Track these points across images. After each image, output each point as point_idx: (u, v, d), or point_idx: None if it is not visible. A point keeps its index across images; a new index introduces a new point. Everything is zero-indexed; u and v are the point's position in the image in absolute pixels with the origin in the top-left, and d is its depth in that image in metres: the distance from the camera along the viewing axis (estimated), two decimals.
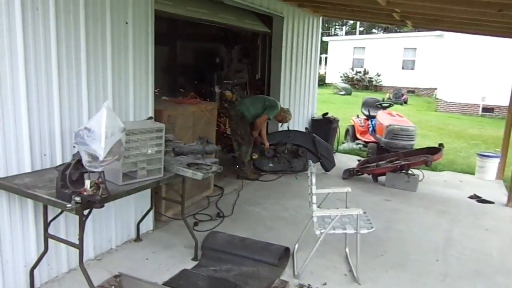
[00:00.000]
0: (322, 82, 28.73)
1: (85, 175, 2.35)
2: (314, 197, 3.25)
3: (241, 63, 8.88)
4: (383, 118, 8.07)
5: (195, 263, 3.55)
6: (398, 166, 6.07)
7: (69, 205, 2.23)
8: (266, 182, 6.13)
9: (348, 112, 13.56)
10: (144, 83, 3.82)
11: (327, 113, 8.16)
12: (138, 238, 3.90)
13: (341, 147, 8.77)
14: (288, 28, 6.68)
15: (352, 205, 5.13)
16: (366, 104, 9.31)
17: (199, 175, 2.99)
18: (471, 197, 5.89)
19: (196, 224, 4.38)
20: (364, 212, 3.62)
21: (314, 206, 3.26)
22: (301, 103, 7.61)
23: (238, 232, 4.27)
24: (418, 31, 23.75)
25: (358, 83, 26.27)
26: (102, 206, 2.38)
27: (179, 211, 4.62)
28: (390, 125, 7.65)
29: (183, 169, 3.04)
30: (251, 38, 8.30)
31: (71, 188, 2.28)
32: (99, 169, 2.25)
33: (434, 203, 5.60)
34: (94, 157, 2.18)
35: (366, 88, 26.12)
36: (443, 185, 6.55)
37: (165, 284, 3.11)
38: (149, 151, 2.77)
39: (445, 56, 19.90)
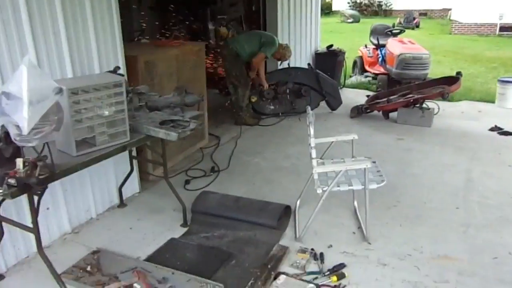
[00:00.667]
0: (328, 11, 27.18)
1: (23, 150, 1.88)
2: (314, 151, 2.77)
3: None
4: (394, 46, 7.32)
5: (184, 229, 3.18)
6: (411, 100, 5.50)
7: (0, 190, 1.79)
8: (267, 127, 5.64)
9: (357, 41, 12.60)
10: (109, 24, 3.22)
11: (331, 45, 7.44)
12: (122, 204, 3.52)
13: (348, 81, 8.13)
14: None
15: (360, 148, 4.66)
16: (375, 32, 8.49)
17: (172, 135, 2.51)
18: (491, 129, 5.34)
19: (187, 182, 3.98)
20: (374, 162, 3.15)
21: (314, 162, 2.79)
22: (302, 36, 6.89)
23: (234, 187, 3.88)
24: None
25: (367, 8, 24.70)
26: (44, 189, 1.94)
27: (169, 168, 4.23)
28: (401, 53, 6.93)
29: (154, 128, 2.56)
30: None
31: (2, 169, 1.82)
32: (33, 143, 1.78)
33: (451, 138, 5.09)
34: (21, 129, 1.70)
35: (376, 13, 24.59)
36: (460, 117, 5.98)
37: (149, 258, 2.76)
38: (106, 112, 2.27)
39: None
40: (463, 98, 7.01)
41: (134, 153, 3.53)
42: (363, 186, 2.83)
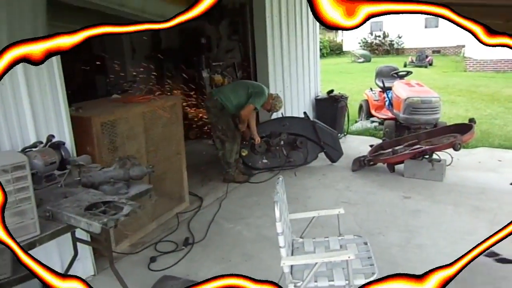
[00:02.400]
0: (339, 51, 27.18)
1: None
2: (281, 239, 2.18)
3: (231, 40, 7.73)
4: (400, 89, 6.79)
5: None
6: (419, 152, 4.89)
7: None
8: (258, 184, 5.08)
9: (367, 82, 12.14)
10: (48, 83, 2.77)
11: (332, 90, 6.96)
12: None
13: (353, 127, 7.58)
14: None
15: (360, 211, 4.08)
16: (380, 74, 8.00)
17: (96, 227, 1.98)
18: None
19: (153, 260, 3.40)
20: (365, 243, 2.54)
21: (283, 251, 2.20)
22: (299, 82, 6.44)
23: (207, 265, 3.31)
24: None
25: (378, 48, 24.52)
26: None
27: (138, 240, 3.72)
28: (408, 97, 6.39)
29: (75, 216, 2.03)
30: (239, 10, 7.13)
31: None
32: None
33: (466, 196, 4.42)
34: None
35: (387, 52, 24.37)
36: (477, 168, 5.32)
37: None
38: None
39: None
40: (480, 145, 6.36)
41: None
42: (347, 281, 2.22)
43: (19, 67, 2.55)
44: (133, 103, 3.75)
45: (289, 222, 2.60)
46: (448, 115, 8.54)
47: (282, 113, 5.82)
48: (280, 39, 5.78)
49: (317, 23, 6.90)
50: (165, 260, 3.41)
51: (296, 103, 6.38)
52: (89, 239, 2.98)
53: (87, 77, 8.56)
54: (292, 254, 2.52)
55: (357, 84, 13.33)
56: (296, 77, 6.36)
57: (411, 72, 7.44)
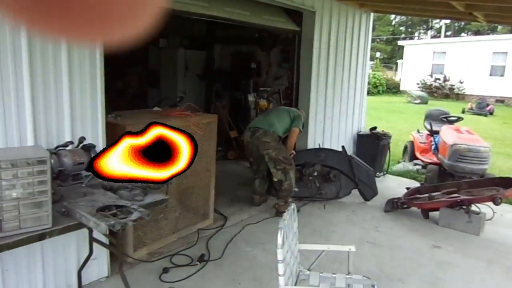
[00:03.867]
0: (396, 90, 26.68)
1: None
2: (281, 266, 2.14)
3: (281, 68, 7.88)
4: (448, 134, 6.54)
5: None
6: (457, 201, 4.65)
7: None
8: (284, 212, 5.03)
9: (419, 124, 11.82)
10: (89, 87, 2.97)
11: (375, 128, 6.84)
12: None
13: (394, 168, 7.36)
14: (322, 25, 5.54)
15: (383, 253, 3.93)
16: (429, 117, 7.77)
17: (102, 227, 2.06)
18: None
19: (165, 270, 3.45)
20: (372, 286, 2.45)
21: (281, 280, 2.16)
22: (342, 115, 6.39)
23: (216, 284, 3.33)
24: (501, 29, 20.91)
25: (437, 91, 23.78)
26: None
27: (156, 249, 3.80)
28: (455, 143, 6.13)
29: (86, 215, 2.13)
30: (291, 40, 7.27)
31: None
32: None
33: (503, 255, 4.13)
34: None
35: (447, 96, 23.57)
36: None
37: None
38: (14, 194, 1.90)
39: None
40: None
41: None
42: None
43: (64, 65, 2.76)
44: (170, 116, 3.90)
45: (296, 252, 2.56)
46: (501, 167, 8.08)
47: (319, 144, 5.79)
48: (326, 71, 5.80)
49: (367, 58, 6.89)
50: (178, 273, 3.44)
51: (337, 136, 6.32)
52: (107, 242, 3.10)
53: (141, 89, 9.03)
54: (295, 285, 2.48)
55: (408, 125, 12.96)
56: (339, 110, 6.32)
57: (461, 118, 7.15)
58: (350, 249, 2.58)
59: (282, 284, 2.16)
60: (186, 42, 8.44)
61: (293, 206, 2.55)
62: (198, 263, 3.62)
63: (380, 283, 3.46)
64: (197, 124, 3.99)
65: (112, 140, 3.24)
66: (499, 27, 37.42)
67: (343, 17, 5.98)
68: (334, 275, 2.59)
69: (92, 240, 2.91)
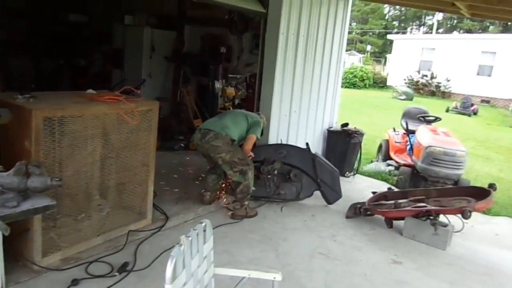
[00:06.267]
0: (382, 84, 26.33)
1: None
2: None
3: (253, 54, 7.32)
4: (423, 135, 6.13)
5: None
6: (423, 211, 4.23)
7: None
8: None
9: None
10: None
11: (347, 124, 6.37)
12: None
13: (366, 167, 6.94)
14: (291, 9, 5.00)
15: (336, 268, 3.47)
16: (406, 115, 7.34)
17: None
18: None
19: (74, 283, 2.93)
20: None
21: None
22: (311, 109, 5.90)
23: None
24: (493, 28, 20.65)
25: (424, 87, 23.48)
26: None
27: (73, 255, 3.29)
28: (430, 145, 5.72)
29: None
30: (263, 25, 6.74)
31: None
32: None
33: (468, 274, 3.72)
34: None
35: (433, 94, 23.29)
36: (491, 242, 4.57)
37: None
38: None
39: None
40: (503, 213, 5.58)
41: None
42: None
43: None
44: (96, 101, 3.35)
45: (208, 280, 2.07)
46: (478, 172, 7.73)
47: (281, 140, 5.31)
48: (294, 59, 5.28)
49: (343, 49, 6.38)
50: (89, 285, 2.95)
51: (304, 131, 5.83)
52: None
53: (104, 69, 8.41)
54: None
55: (389, 121, 12.54)
56: (308, 104, 5.83)
57: (440, 119, 6.72)
58: (274, 277, 2.10)
59: None
60: (154, 20, 7.82)
61: (204, 224, 2.05)
62: (117, 273, 3.11)
63: None
64: (130, 112, 3.45)
65: (21, 126, 2.72)
66: (491, 27, 37.31)
67: (317, 2, 5.44)
68: None
69: None
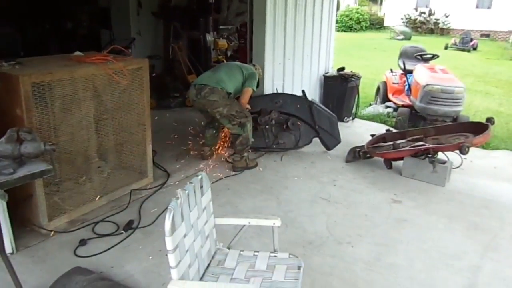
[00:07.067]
0: (379, 26, 25.69)
1: None
2: (172, 258, 1.70)
3: (243, 2, 7.10)
4: (421, 74, 6.04)
5: None
6: (421, 150, 4.25)
7: None
8: None
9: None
10: None
11: (343, 68, 6.27)
12: None
13: (364, 111, 6.90)
14: None
15: (338, 211, 3.56)
16: (403, 55, 7.21)
17: None
18: None
19: (82, 243, 3.02)
20: (299, 268, 2.04)
21: (174, 273, 1.71)
22: (305, 55, 5.78)
23: (139, 257, 2.90)
24: None
25: (422, 25, 22.92)
26: None
27: (78, 217, 3.36)
28: (427, 84, 5.65)
29: None
30: None
31: None
32: None
33: (467, 208, 3.79)
34: None
35: (431, 31, 22.77)
36: (490, 176, 4.61)
37: None
38: None
39: None
40: (502, 146, 5.59)
41: None
42: None
43: None
44: (84, 63, 3.29)
45: (209, 230, 2.12)
46: (477, 107, 7.69)
47: (277, 89, 5.25)
48: (285, 5, 5.11)
49: None
50: (97, 244, 3.03)
51: (299, 79, 5.76)
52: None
53: (92, 30, 8.18)
54: (209, 265, 2.07)
55: (388, 63, 12.33)
56: (302, 50, 5.70)
57: (437, 56, 6.60)
58: (274, 223, 2.14)
59: (175, 278, 1.72)
60: None
61: (200, 176, 2.07)
62: (123, 231, 3.19)
63: (328, 247, 3.12)
64: (120, 71, 3.39)
65: (10, 94, 2.68)
66: None
67: None
68: (256, 254, 2.17)
69: None
